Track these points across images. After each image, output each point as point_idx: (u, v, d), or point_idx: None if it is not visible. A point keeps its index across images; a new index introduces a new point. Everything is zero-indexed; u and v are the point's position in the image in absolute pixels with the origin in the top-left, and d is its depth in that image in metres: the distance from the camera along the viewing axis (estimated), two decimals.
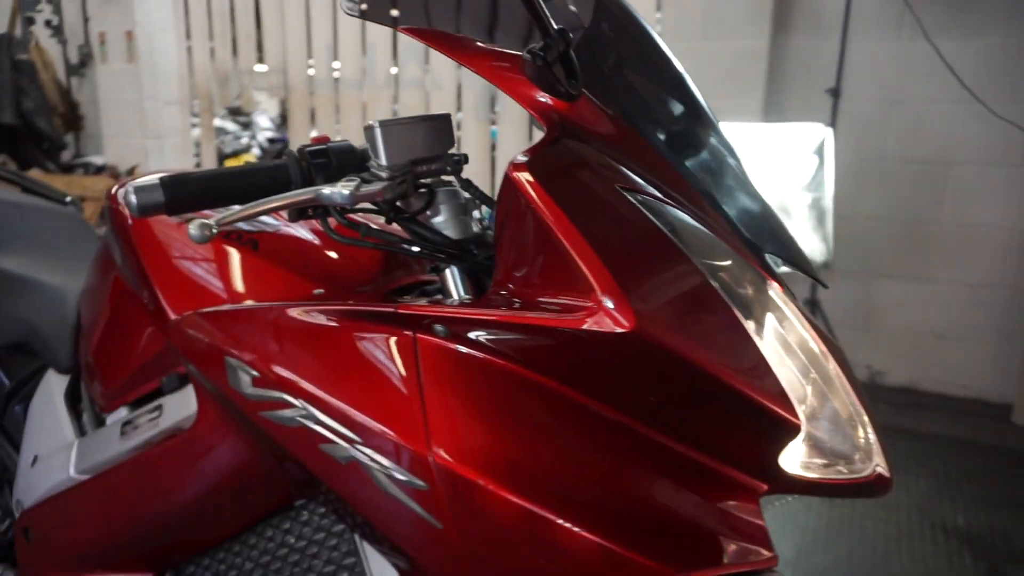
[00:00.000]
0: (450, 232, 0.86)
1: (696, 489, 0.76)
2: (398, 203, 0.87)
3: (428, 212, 0.87)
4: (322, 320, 0.81)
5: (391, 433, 0.74)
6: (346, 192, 0.78)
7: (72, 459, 1.07)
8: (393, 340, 0.76)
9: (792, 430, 0.74)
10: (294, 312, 0.84)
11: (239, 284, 0.99)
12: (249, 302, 0.96)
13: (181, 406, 0.98)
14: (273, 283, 0.97)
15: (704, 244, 0.76)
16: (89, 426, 1.17)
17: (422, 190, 0.87)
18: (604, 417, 0.74)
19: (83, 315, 1.19)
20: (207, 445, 0.93)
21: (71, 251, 1.41)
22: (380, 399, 0.75)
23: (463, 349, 0.75)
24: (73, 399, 1.21)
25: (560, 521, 0.71)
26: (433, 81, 4.03)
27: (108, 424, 1.10)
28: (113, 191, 1.10)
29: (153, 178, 0.78)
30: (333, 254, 1.03)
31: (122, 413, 1.09)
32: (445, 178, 0.89)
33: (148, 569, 1.01)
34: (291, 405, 0.79)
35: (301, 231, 1.04)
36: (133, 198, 0.76)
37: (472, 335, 0.74)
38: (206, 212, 0.84)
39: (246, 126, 6.70)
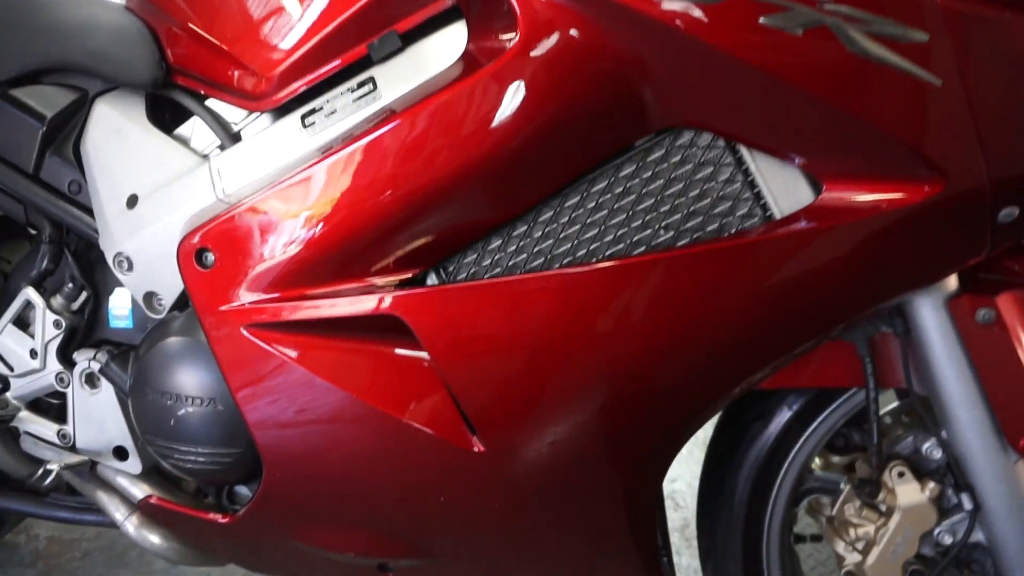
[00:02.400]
0: None
1: None
2: None
3: None
4: None
5: None
6: None
7: (216, 180, 0.89)
8: None
9: None
10: None
11: None
12: None
13: (403, 74, 0.82)
14: None
15: None
16: (214, 143, 0.99)
17: None
18: None
19: None
20: (501, 89, 0.75)
21: None
22: None
23: None
24: (159, 119, 1.02)
25: None
26: None
27: (268, 129, 0.90)
28: None
29: None
30: None
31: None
32: None
33: (400, 269, 0.82)
34: None
35: None
36: None
37: None
38: None
39: None
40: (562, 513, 0.92)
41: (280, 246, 0.84)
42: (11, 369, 1.06)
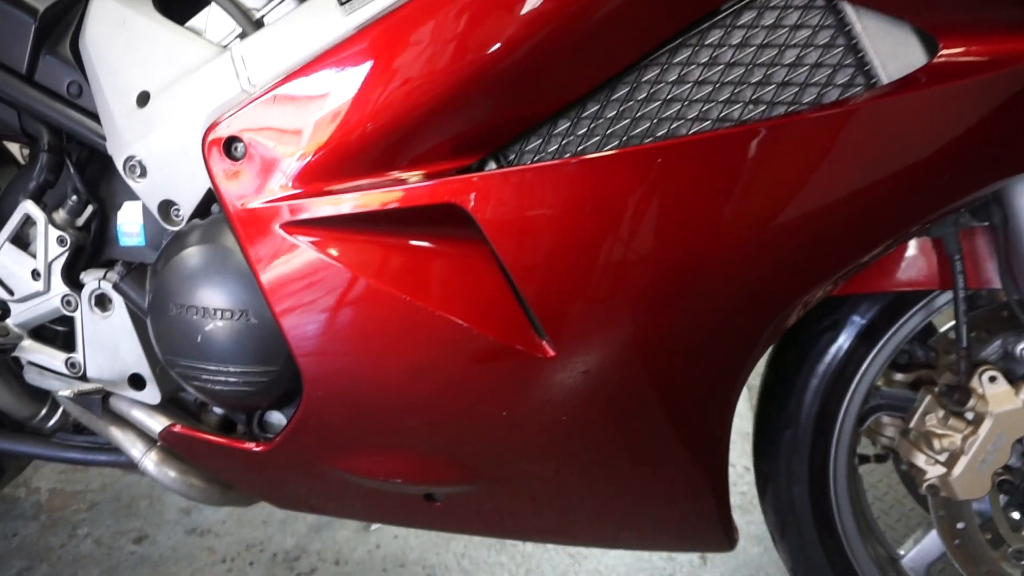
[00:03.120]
0: None
1: None
2: None
3: None
4: None
5: None
6: None
7: (240, 68, 0.80)
8: None
9: None
10: None
11: None
12: None
13: None
14: None
15: None
16: (233, 31, 0.88)
17: None
18: None
19: None
20: None
21: None
22: None
23: None
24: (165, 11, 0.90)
25: None
26: None
27: (298, 11, 0.81)
28: None
29: None
30: None
31: None
32: None
33: (456, 156, 0.74)
34: None
35: None
36: None
37: None
38: None
39: None
40: (631, 434, 0.84)
41: (321, 133, 0.74)
42: (11, 293, 0.96)
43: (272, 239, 0.76)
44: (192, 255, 0.84)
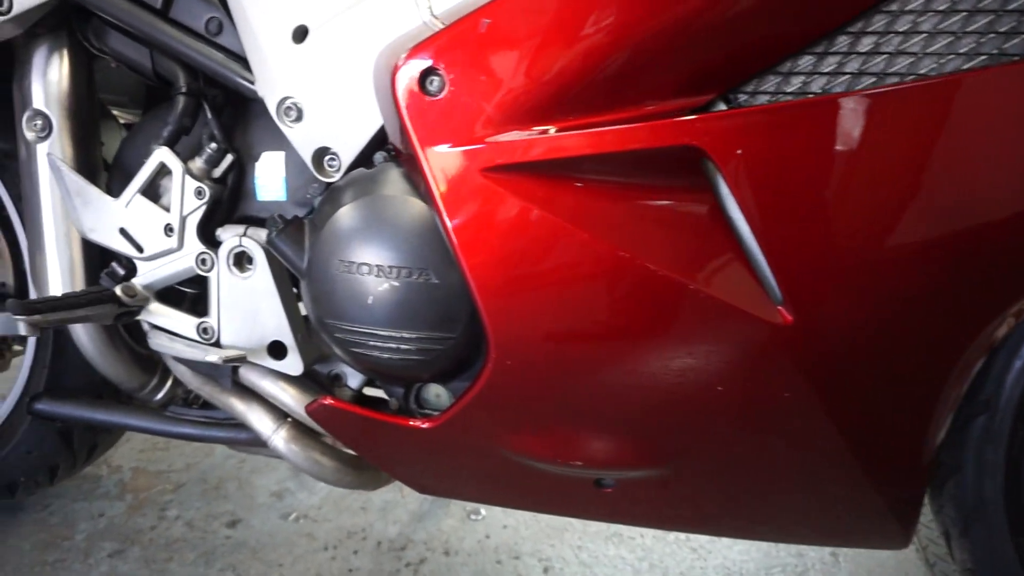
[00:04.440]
0: None
1: None
2: None
3: None
4: None
5: None
6: None
7: None
8: None
9: None
10: None
11: None
12: None
13: None
14: None
15: None
16: None
17: None
18: None
19: None
20: None
21: None
22: None
23: None
24: None
25: None
26: None
27: None
28: None
29: None
30: None
31: None
32: None
33: (682, 94, 0.64)
34: None
35: None
36: None
37: None
38: None
39: None
40: (844, 418, 0.75)
41: (533, 67, 0.65)
42: (140, 250, 0.88)
43: (471, 185, 0.67)
44: (364, 206, 0.75)
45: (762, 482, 0.82)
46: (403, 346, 0.76)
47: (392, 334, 0.75)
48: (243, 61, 0.85)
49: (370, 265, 0.74)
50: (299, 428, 0.94)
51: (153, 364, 1.06)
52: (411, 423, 0.80)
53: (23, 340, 1.29)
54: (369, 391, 0.94)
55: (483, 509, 1.34)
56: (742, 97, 0.66)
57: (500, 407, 0.76)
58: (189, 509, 1.34)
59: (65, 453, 1.19)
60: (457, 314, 0.74)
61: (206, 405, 1.09)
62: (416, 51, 0.67)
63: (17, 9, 0.85)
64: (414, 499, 1.38)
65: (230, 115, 0.90)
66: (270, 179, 0.87)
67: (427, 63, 0.66)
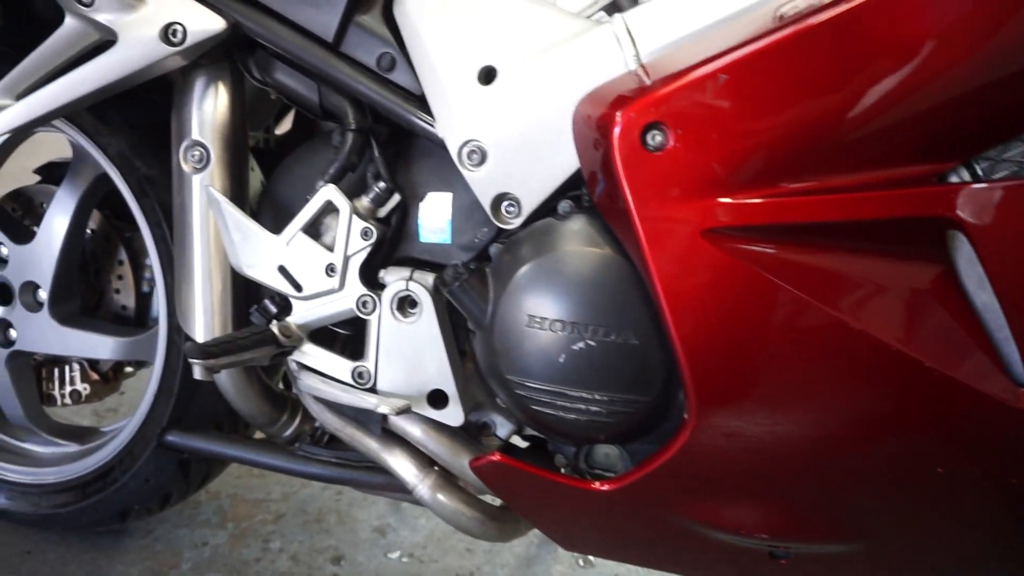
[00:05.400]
0: None
1: None
2: None
3: None
4: None
5: None
6: None
7: (625, 42, 0.69)
8: None
9: None
10: None
11: None
12: None
13: None
14: None
15: None
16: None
17: None
18: None
19: None
20: None
21: None
22: None
23: None
24: None
25: None
26: None
27: None
28: None
29: None
30: None
31: None
32: None
33: (921, 160, 0.61)
34: None
35: None
36: None
37: None
38: None
39: None
40: None
41: (765, 128, 0.61)
42: (298, 288, 0.85)
43: (689, 246, 0.63)
44: (560, 260, 0.71)
45: (951, 568, 0.77)
46: (592, 408, 0.72)
47: (582, 395, 0.72)
48: (418, 99, 0.82)
49: (564, 322, 0.71)
50: (445, 478, 0.91)
51: (284, 400, 1.04)
52: (591, 485, 0.76)
53: (138, 363, 1.28)
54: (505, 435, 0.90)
55: (593, 558, 1.30)
56: (984, 164, 0.62)
57: (690, 475, 0.72)
58: (292, 542, 1.31)
59: (181, 482, 1.17)
60: (654, 377, 0.70)
61: (331, 442, 1.06)
62: (639, 103, 0.63)
63: (190, 41, 0.83)
64: (520, 542, 1.33)
65: (394, 151, 0.87)
66: (435, 220, 0.84)
67: (651, 117, 0.63)
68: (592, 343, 0.70)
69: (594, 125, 0.67)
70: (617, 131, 0.64)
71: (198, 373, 0.85)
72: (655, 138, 0.63)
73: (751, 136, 0.61)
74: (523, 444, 0.92)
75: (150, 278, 1.24)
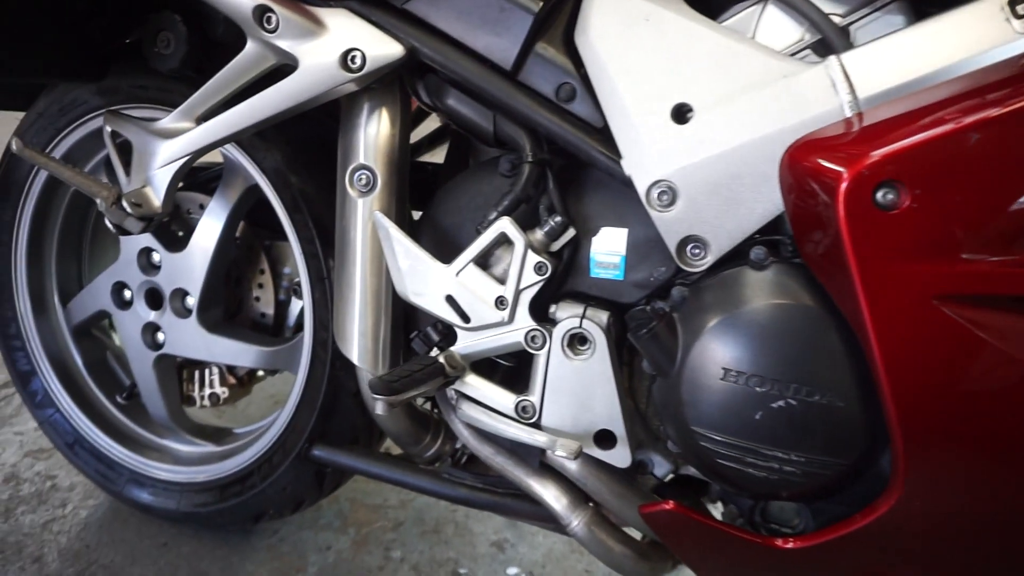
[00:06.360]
0: None
1: None
2: None
3: None
4: None
5: None
6: None
7: (842, 86, 0.66)
8: None
9: None
10: None
11: None
12: None
13: None
14: None
15: None
16: (797, 39, 0.74)
17: None
18: None
19: None
20: None
21: None
22: None
23: None
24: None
25: None
26: None
27: (940, 21, 0.65)
28: None
29: None
30: None
31: None
32: None
33: None
34: None
35: None
36: None
37: None
38: None
39: None
40: None
41: (1006, 191, 0.57)
42: (465, 319, 0.84)
43: (917, 311, 0.60)
44: (762, 314, 0.69)
45: None
46: (786, 468, 0.69)
47: (777, 453, 0.69)
48: (599, 132, 0.80)
49: (764, 378, 0.68)
50: (599, 514, 0.89)
51: (428, 421, 1.04)
52: (772, 542, 0.74)
53: (272, 370, 1.30)
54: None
55: None
56: None
57: (886, 542, 0.69)
58: (413, 552, 1.32)
59: (315, 491, 1.19)
60: (856, 440, 0.67)
61: (470, 462, 1.06)
62: (873, 158, 0.60)
63: (369, 68, 0.83)
64: None
65: (566, 184, 0.85)
66: (608, 256, 0.82)
67: (886, 174, 0.59)
68: (793, 402, 0.67)
69: (815, 176, 0.63)
70: (845, 186, 0.60)
71: (380, 408, 0.85)
72: (886, 196, 0.59)
73: (995, 200, 0.57)
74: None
75: (287, 287, 1.26)
